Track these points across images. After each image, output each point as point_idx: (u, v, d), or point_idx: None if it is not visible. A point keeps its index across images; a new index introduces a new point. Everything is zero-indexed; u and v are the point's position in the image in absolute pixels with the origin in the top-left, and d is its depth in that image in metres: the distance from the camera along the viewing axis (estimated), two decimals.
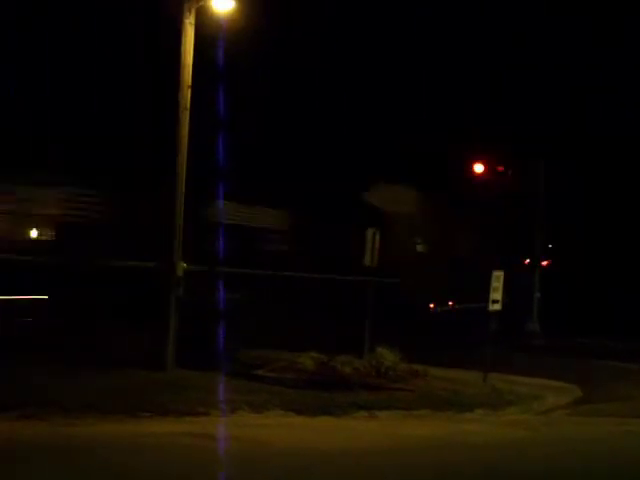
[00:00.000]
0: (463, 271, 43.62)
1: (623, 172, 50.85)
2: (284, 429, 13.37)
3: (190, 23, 18.15)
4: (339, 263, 34.50)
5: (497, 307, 20.56)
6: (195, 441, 11.56)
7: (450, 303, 46.84)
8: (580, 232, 52.90)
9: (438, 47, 49.17)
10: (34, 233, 33.30)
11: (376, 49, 46.93)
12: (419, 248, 46.92)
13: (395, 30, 47.46)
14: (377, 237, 20.82)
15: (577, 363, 27.02)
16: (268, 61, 38.22)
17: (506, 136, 42.34)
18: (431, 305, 45.53)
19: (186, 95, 18.35)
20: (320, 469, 10.56)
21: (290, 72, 41.40)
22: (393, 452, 11.92)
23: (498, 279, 20.46)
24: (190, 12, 18.14)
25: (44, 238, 33.61)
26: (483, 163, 41.71)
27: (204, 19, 18.62)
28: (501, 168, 41.90)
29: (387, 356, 19.36)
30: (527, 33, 49.76)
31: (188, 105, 18.37)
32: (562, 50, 48.96)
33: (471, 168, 42.03)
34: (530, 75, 49.18)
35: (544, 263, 44.40)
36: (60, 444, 11.03)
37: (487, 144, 42.43)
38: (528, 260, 43.05)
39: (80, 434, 11.74)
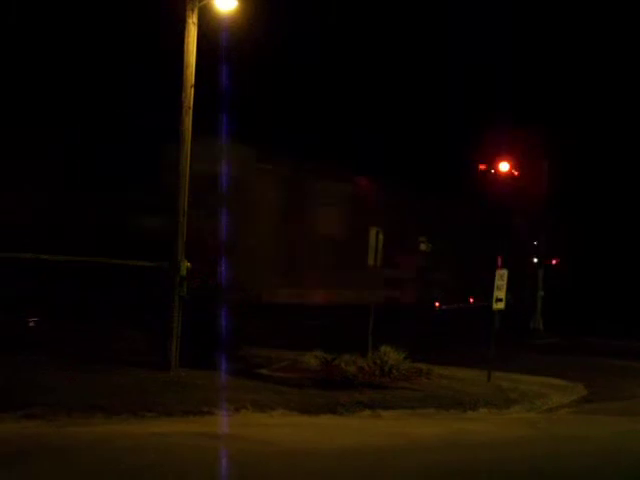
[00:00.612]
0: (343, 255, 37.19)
1: (629, 172, 50.81)
2: (288, 428, 13.36)
3: (193, 23, 18.12)
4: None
5: (501, 306, 20.54)
6: (200, 441, 11.55)
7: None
8: (585, 231, 52.87)
9: (437, 48, 49.20)
10: None
11: (376, 51, 47.00)
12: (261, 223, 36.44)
13: (395, 32, 47.43)
14: (381, 236, 20.79)
15: (581, 361, 27.01)
16: (270, 58, 38.25)
17: (511, 135, 42.31)
18: (436, 304, 45.53)
19: (189, 95, 18.33)
20: (325, 468, 10.55)
21: (292, 69, 41.45)
22: (398, 451, 11.91)
23: (502, 277, 20.42)
24: (193, 12, 18.11)
25: None
26: (488, 163, 41.69)
27: (207, 18, 18.61)
28: (505, 169, 41.81)
29: (391, 355, 19.34)
30: (529, 32, 49.75)
31: (191, 104, 18.35)
32: (566, 50, 48.94)
33: (476, 167, 42.02)
34: (533, 74, 49.18)
35: (553, 262, 44.29)
36: (65, 444, 11.02)
37: (493, 143, 42.42)
38: (536, 260, 42.91)
39: (85, 434, 11.73)
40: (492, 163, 41.82)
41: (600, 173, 52.17)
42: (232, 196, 31.93)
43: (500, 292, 20.45)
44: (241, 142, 33.84)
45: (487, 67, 51.25)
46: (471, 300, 46.74)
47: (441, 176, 47.41)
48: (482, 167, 41.85)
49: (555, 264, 48.15)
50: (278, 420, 14.13)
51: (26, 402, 13.05)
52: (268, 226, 35.42)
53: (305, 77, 43.12)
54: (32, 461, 9.91)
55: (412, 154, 48.18)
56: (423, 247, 42.99)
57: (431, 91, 50.18)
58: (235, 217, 31.79)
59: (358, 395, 16.64)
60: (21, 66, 30.85)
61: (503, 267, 20.73)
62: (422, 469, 10.80)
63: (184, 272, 17.96)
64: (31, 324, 22.74)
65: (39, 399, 13.37)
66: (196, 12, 18.15)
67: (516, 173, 41.66)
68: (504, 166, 41.50)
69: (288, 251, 36.84)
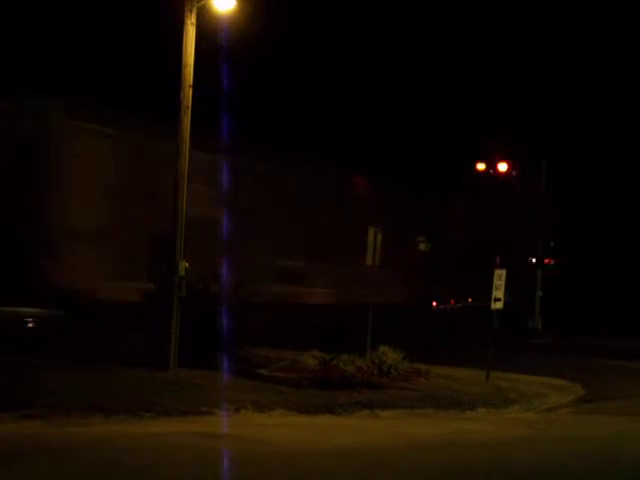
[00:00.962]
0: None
1: (628, 170, 50.78)
2: (287, 428, 13.37)
3: (191, 23, 18.14)
4: None
5: (499, 305, 20.55)
6: (199, 441, 11.56)
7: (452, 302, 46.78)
8: (583, 231, 52.87)
9: (437, 48, 49.28)
10: None
11: (376, 50, 47.05)
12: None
13: (395, 31, 47.49)
14: (379, 236, 20.80)
15: (579, 361, 27.03)
16: (269, 58, 38.22)
17: (510, 135, 42.30)
18: (434, 303, 45.41)
19: (188, 95, 18.35)
20: (323, 468, 10.56)
21: (291, 69, 41.42)
22: (397, 451, 11.91)
23: (500, 277, 20.44)
24: (191, 12, 18.13)
25: None
26: (486, 163, 41.65)
27: (205, 19, 18.63)
28: (504, 168, 41.77)
29: (390, 355, 19.35)
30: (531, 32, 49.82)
31: (190, 104, 18.37)
32: (569, 49, 49.00)
33: (474, 167, 41.99)
34: (534, 74, 49.22)
35: (552, 262, 44.16)
36: (64, 444, 11.03)
37: (492, 143, 42.39)
38: (535, 260, 42.83)
39: (84, 434, 11.74)
40: (491, 163, 41.80)
41: (599, 172, 52.19)
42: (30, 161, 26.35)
43: (498, 292, 20.46)
44: (45, 94, 27.22)
45: (486, 67, 51.31)
46: (469, 300, 46.75)
47: (439, 176, 47.45)
48: (481, 168, 41.83)
49: (554, 264, 48.16)
50: (277, 420, 14.14)
51: (25, 402, 13.05)
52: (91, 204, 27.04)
53: (304, 77, 43.16)
54: (31, 461, 9.92)
55: (410, 153, 48.22)
56: (422, 247, 42.88)
57: (430, 90, 50.22)
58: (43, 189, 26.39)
59: (356, 395, 16.65)
60: (21, 64, 30.87)
61: (501, 267, 20.71)
62: (421, 469, 10.81)
63: (183, 272, 17.96)
64: (30, 324, 22.73)
65: (38, 399, 13.37)
66: (194, 12, 18.16)
67: (515, 173, 41.64)
68: (503, 166, 41.48)
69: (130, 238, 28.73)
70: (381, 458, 11.27)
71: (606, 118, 47.78)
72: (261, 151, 34.29)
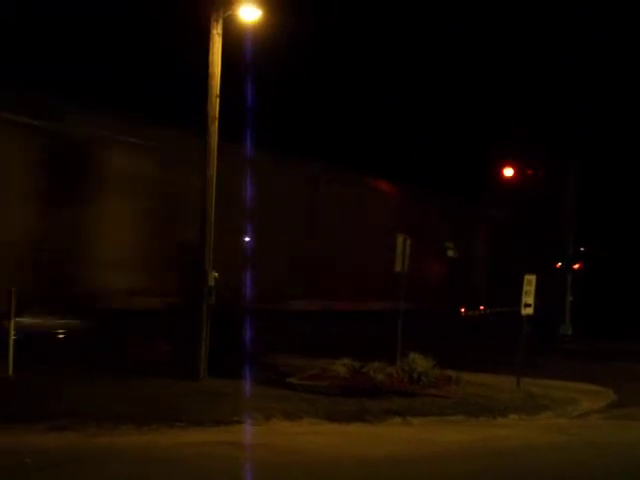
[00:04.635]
0: None
1: None
2: (318, 437, 13.34)
3: (218, 33, 18.25)
4: None
5: (529, 311, 20.41)
6: (230, 450, 11.56)
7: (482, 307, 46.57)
8: (612, 235, 52.44)
9: (463, 46, 49.20)
10: None
11: (404, 54, 47.07)
12: None
13: (422, 34, 47.53)
14: (408, 242, 20.74)
15: (611, 367, 26.76)
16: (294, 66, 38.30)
17: (537, 137, 42.02)
18: (462, 309, 45.18)
19: (215, 105, 18.43)
20: (354, 477, 10.53)
21: (317, 76, 41.48)
22: (429, 459, 11.86)
23: (530, 283, 20.32)
24: (217, 22, 18.24)
25: None
26: (512, 166, 41.42)
27: (231, 29, 18.72)
28: (530, 171, 41.57)
29: (420, 362, 19.26)
30: (554, 31, 49.58)
31: (217, 114, 18.44)
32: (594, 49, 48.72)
33: (500, 171, 41.77)
34: (560, 74, 48.97)
35: (576, 266, 43.76)
36: (93, 455, 11.06)
37: (517, 146, 42.14)
38: (560, 264, 42.51)
39: (114, 445, 11.77)
40: (518, 168, 41.59)
41: (629, 172, 51.75)
42: None
43: (528, 297, 20.33)
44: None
45: (511, 68, 51.12)
46: (498, 306, 46.50)
47: (465, 181, 47.23)
48: (508, 173, 41.64)
49: (585, 269, 47.77)
50: (307, 429, 14.12)
51: (55, 413, 13.12)
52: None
53: (331, 83, 43.23)
54: (61, 472, 9.96)
55: (436, 159, 48.15)
56: (450, 253, 42.67)
57: (454, 94, 50.09)
58: None
59: (387, 403, 16.58)
60: (49, 72, 31.15)
61: (531, 272, 20.58)
62: (456, 477, 10.76)
63: (212, 282, 18.02)
64: (60, 335, 22.88)
65: (67, 410, 13.44)
66: (220, 23, 18.27)
67: (542, 177, 41.41)
68: (530, 169, 41.28)
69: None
70: (413, 466, 11.23)
71: (635, 117, 47.36)
72: (285, 159, 34.43)
